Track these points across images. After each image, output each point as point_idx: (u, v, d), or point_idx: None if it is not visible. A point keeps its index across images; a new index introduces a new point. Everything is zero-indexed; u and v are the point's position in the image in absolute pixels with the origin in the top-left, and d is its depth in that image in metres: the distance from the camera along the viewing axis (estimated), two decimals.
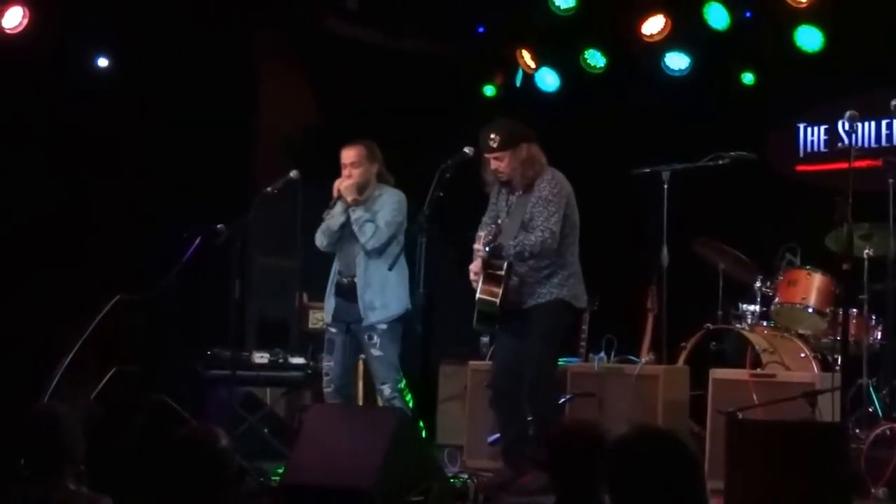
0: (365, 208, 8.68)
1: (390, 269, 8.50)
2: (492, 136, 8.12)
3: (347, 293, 8.78)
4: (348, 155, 8.80)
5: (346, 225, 8.74)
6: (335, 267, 8.92)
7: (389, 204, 8.71)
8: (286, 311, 10.57)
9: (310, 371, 9.74)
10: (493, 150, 8.13)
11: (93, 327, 9.33)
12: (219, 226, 8.69)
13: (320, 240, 8.87)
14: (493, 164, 8.18)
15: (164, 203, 10.71)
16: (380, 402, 8.74)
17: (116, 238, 10.95)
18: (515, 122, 8.33)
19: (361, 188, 8.74)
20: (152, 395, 8.96)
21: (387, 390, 8.63)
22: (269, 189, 8.82)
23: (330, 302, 8.90)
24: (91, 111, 10.57)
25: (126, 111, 10.63)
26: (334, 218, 8.78)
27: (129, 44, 10.72)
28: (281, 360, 9.75)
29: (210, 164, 10.73)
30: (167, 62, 10.65)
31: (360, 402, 9.80)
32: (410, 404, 8.80)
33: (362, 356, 9.03)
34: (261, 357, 9.73)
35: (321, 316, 9.73)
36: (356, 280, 8.71)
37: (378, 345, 8.61)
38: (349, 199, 8.71)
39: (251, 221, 8.75)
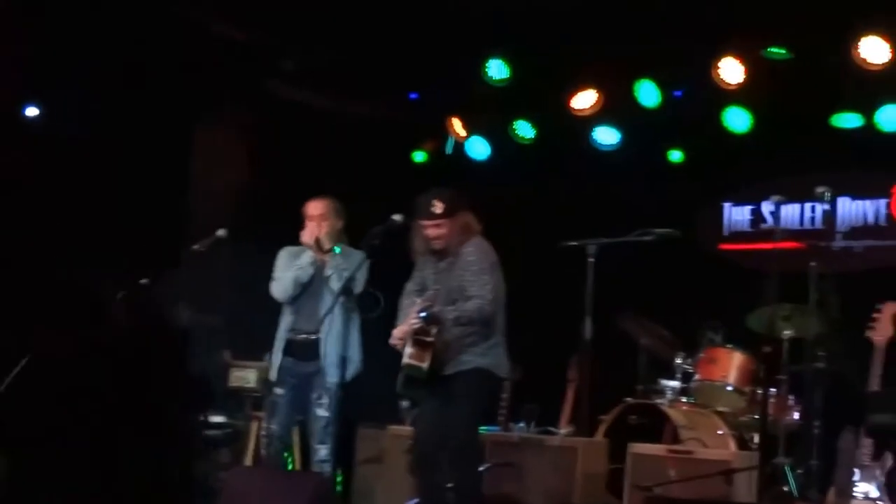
0: (342, 257, 8.63)
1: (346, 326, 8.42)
2: (434, 202, 8.05)
3: (301, 351, 8.71)
4: (317, 207, 8.78)
5: (312, 279, 8.70)
6: (288, 324, 8.80)
7: (361, 262, 8.61)
8: (209, 369, 10.51)
9: (230, 430, 9.70)
10: (434, 217, 8.07)
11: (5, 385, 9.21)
12: (143, 281, 8.66)
13: (286, 291, 8.73)
14: (432, 232, 8.10)
15: (93, 256, 10.60)
16: (313, 462, 8.66)
17: (42, 289, 10.83)
18: (455, 192, 8.29)
19: (332, 239, 8.72)
20: None
21: (322, 451, 8.53)
22: (196, 247, 8.80)
23: (277, 358, 8.77)
24: (19, 161, 10.46)
25: (55, 163, 10.53)
26: (304, 269, 8.71)
27: (61, 94, 10.65)
28: (201, 418, 9.70)
29: (140, 219, 10.67)
30: (100, 115, 10.60)
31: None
32: (339, 475, 8.77)
33: (300, 418, 8.99)
34: None
35: (242, 374, 9.69)
36: (320, 336, 8.60)
37: (326, 405, 8.52)
38: (326, 247, 8.65)
39: (178, 278, 8.71)
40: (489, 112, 11.98)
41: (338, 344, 8.38)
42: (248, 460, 9.74)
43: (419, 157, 12.61)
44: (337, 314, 8.44)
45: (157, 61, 10.54)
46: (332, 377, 8.45)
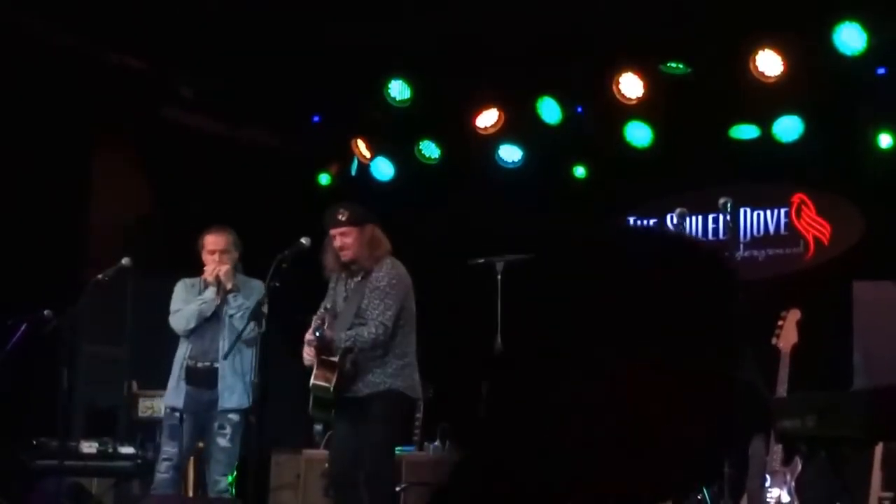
0: (243, 296, 8.67)
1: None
2: (341, 210, 8.10)
3: (201, 379, 8.69)
4: (218, 242, 8.78)
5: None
6: (185, 352, 8.79)
7: (260, 295, 8.62)
8: (115, 400, 10.40)
9: (139, 461, 9.59)
10: (340, 224, 8.06)
11: None
12: (45, 312, 8.56)
13: (186, 323, 8.74)
14: (339, 241, 8.10)
15: None
16: (210, 492, 8.62)
17: None
18: (362, 206, 8.33)
19: (233, 276, 8.74)
20: None
21: (223, 482, 8.54)
22: (99, 276, 8.73)
23: (180, 387, 8.75)
24: None
25: None
26: (208, 303, 8.73)
27: None
28: (110, 450, 9.58)
29: (40, 250, 10.54)
30: None
31: (191, 491, 9.65)
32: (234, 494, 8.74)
33: (200, 444, 8.93)
34: (89, 447, 9.55)
35: (151, 404, 9.61)
36: (217, 365, 8.64)
37: (229, 436, 8.55)
38: (228, 286, 8.67)
39: (81, 309, 8.63)
40: (393, 133, 11.99)
41: (237, 373, 8.55)
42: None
43: (324, 179, 12.57)
44: (239, 347, 8.55)
45: (54, 90, 10.44)
46: (228, 403, 8.55)
